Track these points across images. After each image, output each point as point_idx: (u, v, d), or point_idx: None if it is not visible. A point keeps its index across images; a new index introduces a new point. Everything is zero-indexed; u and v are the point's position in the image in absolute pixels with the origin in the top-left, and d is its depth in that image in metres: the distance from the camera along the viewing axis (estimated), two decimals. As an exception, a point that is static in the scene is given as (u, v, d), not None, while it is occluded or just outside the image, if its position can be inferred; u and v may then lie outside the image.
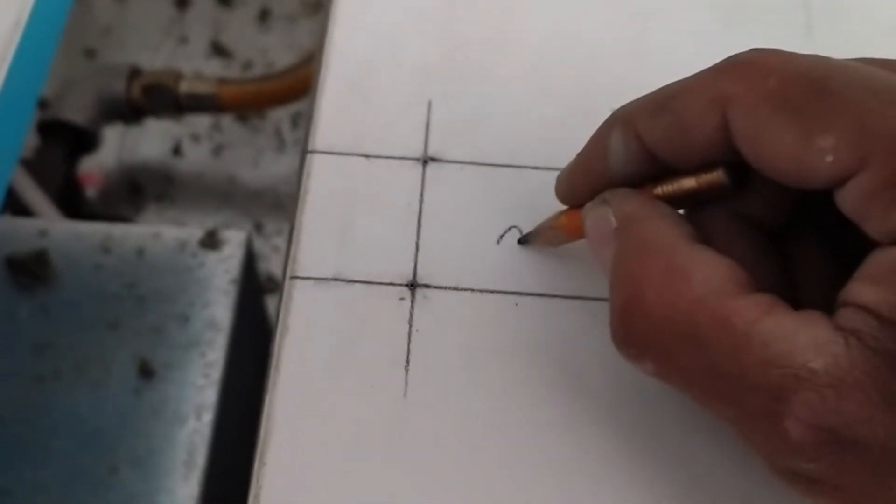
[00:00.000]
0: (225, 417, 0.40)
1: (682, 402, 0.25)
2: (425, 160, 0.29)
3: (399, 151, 0.29)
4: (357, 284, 0.27)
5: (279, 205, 0.62)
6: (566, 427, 0.25)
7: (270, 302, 0.55)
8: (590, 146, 0.25)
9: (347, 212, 0.28)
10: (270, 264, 0.57)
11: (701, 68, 0.32)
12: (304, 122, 0.66)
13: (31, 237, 0.44)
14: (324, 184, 0.29)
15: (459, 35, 0.32)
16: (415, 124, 0.30)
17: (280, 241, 0.58)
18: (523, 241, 0.27)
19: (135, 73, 0.58)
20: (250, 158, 0.64)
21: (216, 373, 0.40)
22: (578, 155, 0.25)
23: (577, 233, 0.25)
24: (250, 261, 0.45)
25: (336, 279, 0.27)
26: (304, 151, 0.30)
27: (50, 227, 0.44)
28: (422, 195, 0.29)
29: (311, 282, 0.27)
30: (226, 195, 0.62)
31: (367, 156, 0.29)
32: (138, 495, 0.37)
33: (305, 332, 0.26)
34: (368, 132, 0.30)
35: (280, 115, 0.66)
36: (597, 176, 0.24)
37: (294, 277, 0.27)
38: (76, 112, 0.55)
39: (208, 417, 0.39)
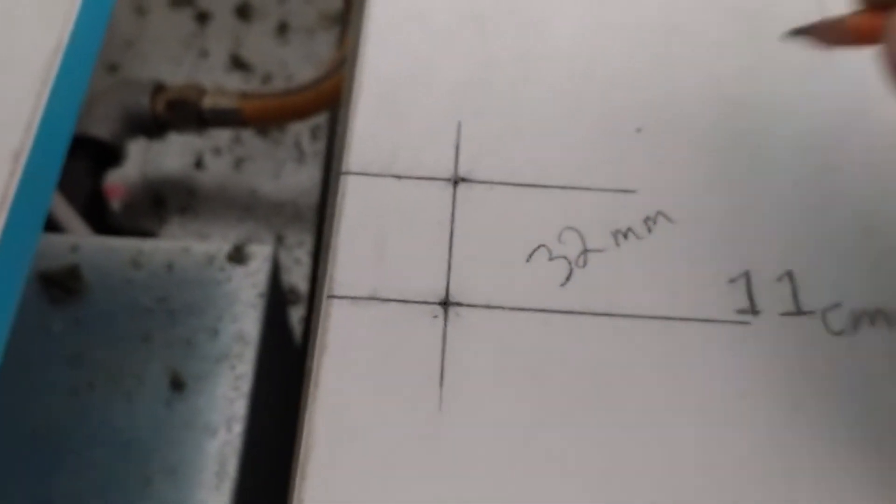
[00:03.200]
0: (255, 429, 0.41)
1: (708, 417, 0.26)
2: (456, 181, 0.30)
3: (430, 172, 0.30)
4: (392, 303, 0.28)
5: (300, 216, 0.62)
6: (595, 440, 0.26)
7: (293, 314, 0.56)
8: None
9: (381, 232, 0.29)
10: (292, 276, 0.58)
11: (726, 81, 0.33)
12: (323, 135, 0.67)
13: (62, 252, 0.45)
14: (358, 204, 0.30)
15: (488, 55, 0.33)
16: (445, 144, 0.31)
17: (301, 253, 0.59)
18: (799, 32, 0.25)
19: (159, 88, 0.59)
20: (271, 171, 0.65)
21: (245, 385, 0.41)
22: None
23: (871, 38, 0.22)
24: (276, 275, 0.46)
25: (372, 298, 0.28)
26: (338, 173, 0.30)
27: (81, 242, 0.45)
28: (453, 215, 0.29)
29: (348, 301, 0.28)
30: (247, 207, 0.63)
31: (398, 177, 0.30)
32: (172, 505, 0.38)
33: (343, 349, 0.27)
34: (400, 153, 0.31)
35: (300, 128, 0.67)
36: None
37: (331, 297, 0.28)
38: (101, 127, 0.57)
39: (239, 429, 0.40)
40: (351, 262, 0.28)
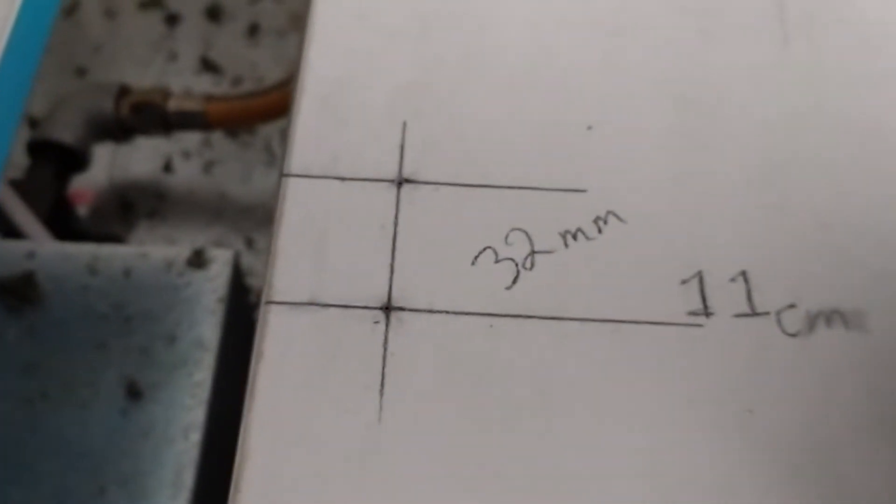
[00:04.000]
0: (213, 437, 0.40)
1: (659, 422, 0.26)
2: (400, 182, 0.29)
3: (374, 173, 0.29)
4: (332, 308, 0.27)
5: (270, 220, 0.62)
6: (541, 448, 0.25)
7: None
8: None
9: (322, 235, 0.28)
10: (262, 280, 0.57)
11: (676, 79, 0.32)
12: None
13: (18, 259, 0.44)
14: (299, 207, 0.29)
15: (433, 55, 0.32)
16: (389, 145, 0.30)
17: (271, 256, 0.58)
18: None
19: (123, 91, 0.58)
20: (241, 174, 0.64)
21: (204, 393, 0.40)
22: None
23: None
24: (238, 279, 0.46)
25: (311, 303, 0.27)
26: (280, 175, 0.30)
27: (37, 248, 0.45)
28: (396, 217, 0.29)
29: (287, 306, 0.27)
30: (217, 211, 0.62)
31: (342, 178, 0.29)
32: (125, 517, 0.37)
33: (281, 357, 0.26)
34: (343, 154, 0.30)
35: (270, 131, 0.66)
36: None
37: (269, 302, 0.27)
38: (65, 131, 0.56)
39: (196, 437, 0.39)
40: (290, 267, 0.27)
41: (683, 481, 0.25)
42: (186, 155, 0.65)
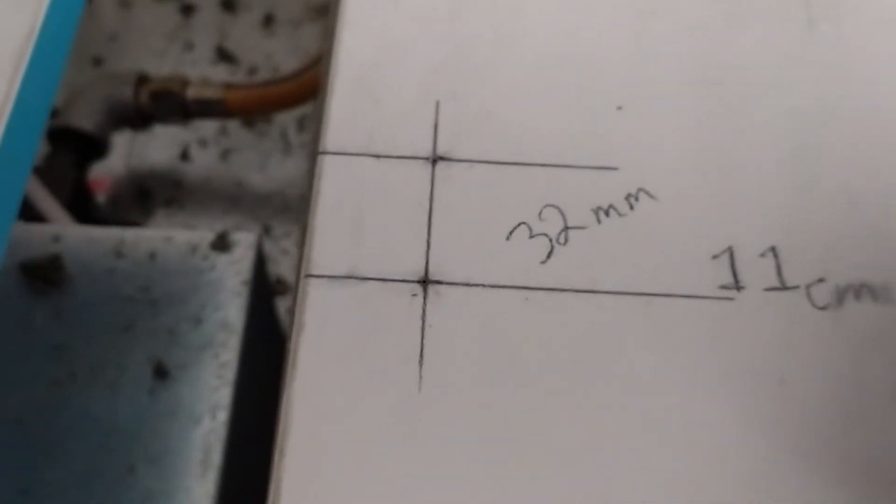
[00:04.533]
0: (239, 417, 0.40)
1: (693, 392, 0.26)
2: (434, 159, 0.30)
3: (408, 151, 0.30)
4: (370, 282, 0.27)
5: (287, 208, 0.62)
6: (578, 417, 0.25)
7: (281, 304, 0.56)
8: None
9: (359, 211, 0.29)
10: (280, 267, 0.57)
11: (706, 64, 0.33)
12: (310, 126, 0.66)
13: (44, 243, 0.44)
14: (335, 184, 0.29)
15: (464, 36, 0.33)
16: (423, 124, 0.31)
17: (289, 244, 0.59)
18: None
19: (142, 79, 0.59)
20: (257, 162, 0.64)
21: (230, 373, 0.41)
22: None
23: None
24: (261, 262, 0.46)
25: (350, 277, 0.27)
26: (316, 153, 0.30)
27: (63, 232, 0.45)
28: (432, 193, 0.29)
29: (326, 280, 0.27)
30: (234, 199, 0.63)
31: (377, 156, 0.30)
32: (156, 493, 0.38)
33: (321, 328, 0.26)
34: (378, 133, 0.30)
35: (286, 119, 0.66)
36: None
37: (309, 276, 0.27)
38: (85, 119, 0.56)
39: (223, 417, 0.40)
40: (328, 242, 0.28)
41: (716, 449, 0.25)
42: (203, 143, 0.65)
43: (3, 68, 0.31)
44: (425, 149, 0.30)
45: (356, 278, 0.27)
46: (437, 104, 0.31)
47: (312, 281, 0.27)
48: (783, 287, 0.28)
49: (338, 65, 0.32)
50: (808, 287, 0.28)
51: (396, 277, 0.27)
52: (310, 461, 0.24)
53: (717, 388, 0.26)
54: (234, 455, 0.39)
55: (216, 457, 0.39)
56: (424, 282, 0.27)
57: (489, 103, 0.31)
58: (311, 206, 0.29)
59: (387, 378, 0.26)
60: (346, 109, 0.31)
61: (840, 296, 0.28)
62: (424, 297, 0.27)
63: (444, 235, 0.28)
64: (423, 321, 0.27)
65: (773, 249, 0.28)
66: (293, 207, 0.62)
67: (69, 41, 0.35)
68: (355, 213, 0.28)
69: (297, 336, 0.26)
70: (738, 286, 0.28)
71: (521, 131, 0.31)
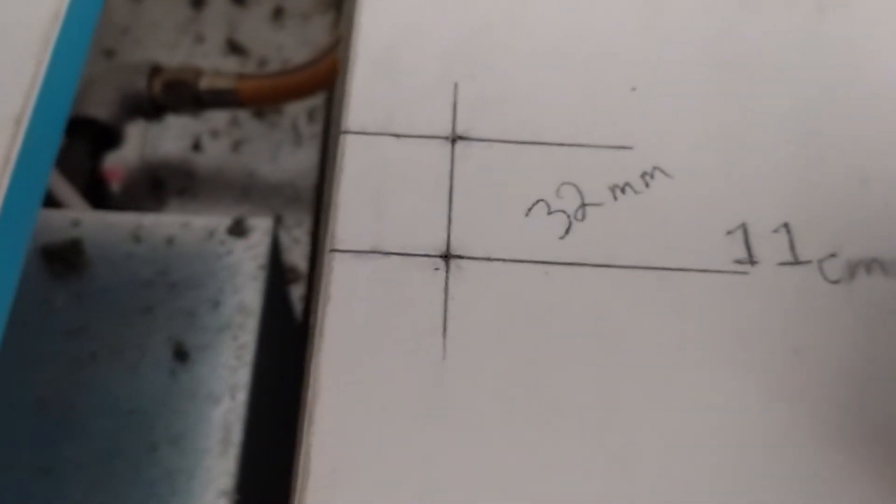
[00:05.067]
0: (258, 397, 0.41)
1: (710, 362, 0.27)
2: (454, 139, 0.30)
3: (428, 131, 0.31)
4: (394, 256, 0.28)
5: (298, 197, 0.63)
6: (597, 385, 0.26)
7: (293, 292, 0.57)
8: None
9: (381, 188, 0.29)
10: (292, 255, 0.58)
11: (718, 46, 0.33)
12: (320, 117, 0.67)
13: (64, 228, 0.45)
14: (357, 162, 0.30)
15: (481, 18, 0.33)
16: (442, 105, 0.31)
17: (300, 233, 0.60)
18: None
19: (156, 70, 0.59)
20: (268, 153, 0.65)
21: (248, 354, 0.42)
22: None
23: None
24: (276, 247, 0.47)
25: (373, 251, 0.28)
26: (338, 132, 0.31)
27: (82, 217, 0.46)
28: (451, 172, 0.30)
29: (350, 254, 0.28)
30: (245, 189, 0.64)
31: (397, 135, 0.30)
32: (177, 471, 0.38)
33: (347, 300, 0.27)
34: (398, 113, 0.31)
35: (296, 110, 0.67)
36: None
37: (333, 250, 0.28)
38: (100, 108, 0.57)
39: (242, 397, 0.40)
40: (352, 218, 0.29)
41: (733, 416, 0.26)
42: (215, 134, 0.66)
43: (31, 50, 0.31)
44: (444, 128, 0.31)
45: (380, 253, 0.28)
46: (455, 85, 0.32)
47: (337, 255, 0.28)
48: (796, 262, 0.29)
49: (357, 46, 0.32)
50: (820, 262, 0.29)
51: (419, 252, 0.28)
52: (338, 427, 0.25)
53: (734, 357, 0.27)
54: (253, 434, 0.40)
55: (236, 436, 0.39)
56: (446, 256, 0.28)
57: (506, 84, 0.32)
58: (333, 184, 0.29)
59: (412, 347, 0.26)
60: (366, 90, 0.31)
61: (851, 270, 0.28)
62: (447, 271, 0.28)
63: (465, 212, 0.29)
64: (446, 294, 0.27)
65: (785, 226, 0.29)
66: (304, 198, 0.63)
67: (93, 23, 0.35)
68: (377, 191, 0.29)
69: (324, 307, 0.27)
70: (751, 261, 0.29)
71: (537, 112, 0.31)
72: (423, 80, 0.32)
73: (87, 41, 0.35)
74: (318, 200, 0.62)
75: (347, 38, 0.33)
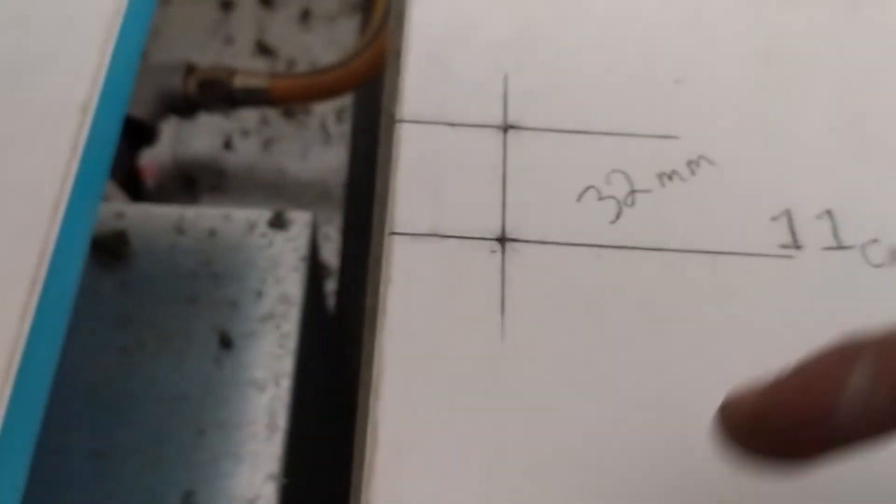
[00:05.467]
0: (301, 384, 0.42)
1: (759, 343, 0.28)
2: (505, 128, 0.31)
3: (480, 120, 0.32)
4: (451, 239, 0.29)
5: (328, 195, 0.64)
6: (653, 366, 0.27)
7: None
8: (806, 378, 0.19)
9: (437, 174, 0.30)
10: (322, 251, 0.59)
11: (758, 40, 0.34)
12: (348, 117, 0.68)
13: (109, 219, 0.46)
14: (413, 149, 0.31)
15: (529, 11, 0.34)
16: (493, 95, 0.32)
17: (330, 230, 0.60)
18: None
19: (190, 69, 0.60)
20: (298, 151, 0.66)
21: (291, 343, 0.43)
22: (775, 385, 0.20)
23: None
24: (315, 240, 0.48)
25: (431, 234, 0.29)
26: (391, 121, 0.32)
27: (126, 209, 0.47)
28: (504, 159, 0.31)
29: (409, 237, 0.29)
30: (276, 187, 0.65)
31: (451, 124, 0.31)
32: (224, 455, 0.39)
33: (407, 281, 0.28)
34: (450, 103, 0.32)
35: (325, 110, 0.68)
36: (814, 422, 0.18)
37: (393, 233, 0.29)
38: (137, 106, 0.58)
39: (287, 384, 0.41)
40: (410, 202, 0.30)
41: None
42: (245, 133, 0.67)
43: (95, 41, 0.33)
44: (496, 118, 0.32)
45: (438, 236, 0.29)
46: (506, 76, 0.33)
47: (396, 238, 0.29)
48: (839, 247, 0.29)
49: (410, 39, 0.33)
50: (863, 247, 0.29)
51: (475, 235, 0.29)
52: (403, 401, 0.26)
53: (781, 338, 0.28)
54: (297, 419, 0.41)
55: (281, 421, 0.40)
56: (502, 239, 0.29)
57: (554, 76, 0.33)
58: (390, 171, 0.30)
59: (471, 327, 0.27)
60: (419, 81, 0.32)
61: (893, 255, 0.29)
62: (503, 254, 0.29)
63: (518, 197, 0.30)
64: (503, 275, 0.28)
65: (828, 212, 0.30)
66: (334, 195, 0.64)
67: (151, 16, 0.36)
68: (433, 177, 0.30)
69: (385, 288, 0.28)
70: (796, 245, 0.29)
71: (584, 102, 0.32)
72: (474, 71, 0.33)
73: (145, 33, 0.36)
74: (348, 198, 0.63)
75: (397, 31, 0.34)
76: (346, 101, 0.68)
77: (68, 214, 0.29)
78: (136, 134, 0.59)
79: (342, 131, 0.67)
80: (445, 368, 0.26)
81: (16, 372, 0.26)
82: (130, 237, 0.46)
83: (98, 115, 0.31)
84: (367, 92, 0.65)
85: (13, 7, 0.32)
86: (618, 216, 0.30)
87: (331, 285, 0.59)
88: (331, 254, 0.60)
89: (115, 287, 0.44)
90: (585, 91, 0.33)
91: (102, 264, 0.45)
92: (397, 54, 0.34)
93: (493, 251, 0.29)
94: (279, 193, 0.64)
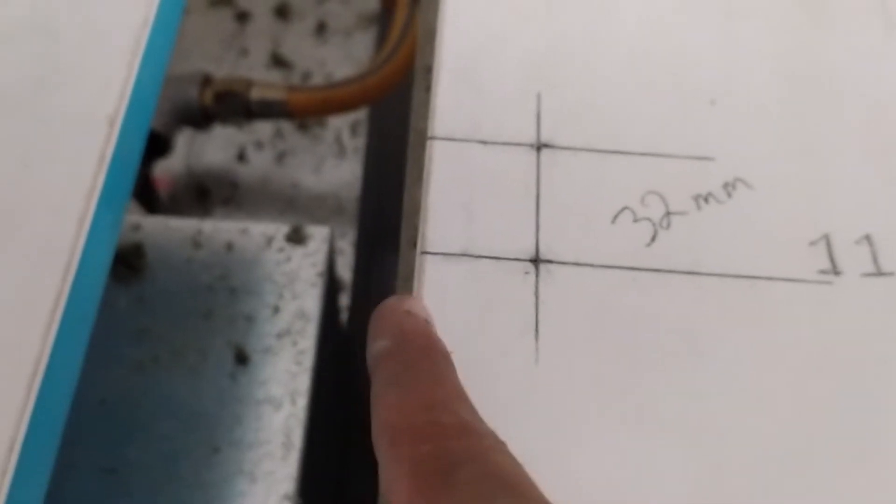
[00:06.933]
0: (317, 402, 0.41)
1: (798, 369, 0.27)
2: (539, 146, 0.31)
3: (513, 138, 0.31)
4: (484, 260, 0.28)
5: (342, 209, 0.63)
6: (691, 392, 0.26)
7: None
8: None
9: (470, 193, 0.30)
10: (336, 266, 0.58)
11: (791, 57, 0.34)
12: (363, 131, 0.68)
13: (125, 231, 0.46)
14: (445, 167, 0.30)
15: (560, 30, 0.34)
16: (526, 113, 0.32)
17: (344, 244, 0.60)
18: None
19: (207, 80, 0.60)
20: (312, 165, 0.66)
21: (308, 360, 0.42)
22: None
23: None
24: (332, 256, 0.47)
25: (464, 254, 0.28)
26: (421, 138, 0.31)
27: (143, 222, 0.46)
28: (538, 178, 0.30)
29: (441, 257, 0.28)
30: (290, 200, 0.64)
31: (484, 142, 0.31)
32: (239, 474, 0.38)
33: (439, 302, 0.27)
34: (483, 121, 0.31)
35: (339, 124, 0.67)
36: None
37: (425, 252, 0.28)
38: (153, 118, 0.57)
39: (303, 402, 0.41)
40: (442, 221, 0.29)
41: (819, 426, 0.26)
42: (259, 145, 0.67)
43: (124, 55, 0.32)
44: (529, 136, 0.31)
45: (470, 256, 0.28)
46: (539, 95, 0.32)
47: (428, 258, 0.28)
48: (879, 273, 0.29)
49: (441, 55, 0.33)
50: (902, 274, 0.29)
51: (509, 256, 0.28)
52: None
53: (820, 366, 0.27)
54: (314, 438, 0.40)
55: (297, 440, 0.40)
56: (536, 261, 0.28)
57: (587, 95, 0.32)
58: (423, 188, 0.30)
59: (504, 350, 0.27)
60: (451, 98, 0.32)
61: (933, 283, 0.29)
62: (536, 275, 0.28)
63: (552, 217, 0.29)
64: (537, 297, 0.28)
65: (867, 237, 0.30)
66: (348, 209, 0.63)
67: (176, 30, 0.36)
68: (466, 195, 0.30)
69: (417, 309, 0.27)
70: (835, 271, 0.29)
71: (619, 122, 0.32)
72: (507, 88, 0.32)
73: (171, 46, 0.36)
74: (362, 212, 0.63)
75: (427, 47, 0.34)
76: (362, 114, 0.68)
77: (93, 228, 0.28)
78: (151, 145, 0.59)
79: (357, 145, 0.67)
80: (477, 393, 0.26)
81: (38, 386, 0.25)
82: (147, 250, 0.45)
83: (125, 128, 0.31)
84: (382, 106, 0.64)
85: (42, 18, 0.32)
86: (653, 238, 0.29)
87: (344, 300, 0.58)
88: (344, 268, 0.59)
89: (131, 300, 0.44)
90: (619, 110, 0.32)
91: (118, 277, 0.44)
92: (427, 70, 0.33)
93: (527, 272, 0.28)
94: (292, 207, 0.63)
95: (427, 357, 0.24)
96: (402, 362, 0.23)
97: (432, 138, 0.31)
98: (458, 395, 0.23)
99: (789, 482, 0.26)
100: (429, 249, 0.28)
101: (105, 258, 0.30)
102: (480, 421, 0.23)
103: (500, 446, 0.22)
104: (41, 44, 0.31)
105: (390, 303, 0.25)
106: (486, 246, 0.29)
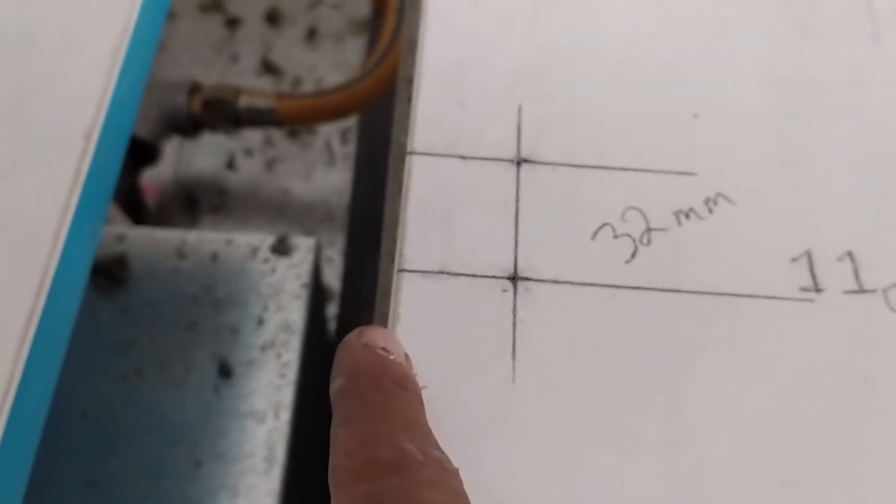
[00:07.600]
0: (301, 416, 0.41)
1: (778, 389, 0.27)
2: (519, 161, 0.31)
3: (493, 153, 0.31)
4: (462, 277, 0.28)
5: (331, 217, 0.63)
6: (669, 411, 0.26)
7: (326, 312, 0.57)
8: None
9: (448, 209, 0.29)
10: (325, 275, 0.58)
11: (779, 74, 0.33)
12: (353, 137, 0.67)
13: (109, 242, 0.45)
14: (424, 183, 0.30)
15: (544, 42, 0.34)
16: (507, 127, 0.31)
17: (333, 252, 0.60)
18: None
19: (195, 88, 0.60)
20: (302, 172, 0.65)
21: (292, 373, 0.42)
22: None
23: None
24: (318, 267, 0.47)
25: (441, 272, 0.28)
26: (401, 152, 0.31)
27: (127, 232, 0.46)
28: (517, 194, 0.30)
29: (419, 275, 0.28)
30: (279, 207, 0.64)
31: (463, 157, 0.31)
32: (222, 488, 0.38)
33: (416, 321, 0.27)
34: (463, 134, 0.31)
35: (330, 131, 0.67)
36: None
37: (402, 270, 0.28)
38: (140, 125, 0.57)
39: (286, 416, 0.40)
40: (420, 238, 0.29)
41: (801, 445, 0.26)
42: (248, 153, 0.67)
43: (101, 64, 0.32)
44: (509, 151, 0.31)
45: (448, 273, 0.28)
46: (520, 108, 0.32)
47: (406, 276, 0.28)
48: (861, 290, 0.29)
49: (422, 68, 0.33)
50: (885, 290, 0.29)
51: (487, 273, 0.28)
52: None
53: (801, 385, 0.27)
54: (297, 453, 0.40)
55: (280, 454, 0.39)
56: (514, 278, 0.28)
57: (569, 109, 0.32)
58: (400, 204, 0.30)
59: (481, 369, 0.26)
60: (431, 112, 0.32)
61: (916, 300, 0.28)
62: (515, 293, 0.28)
63: (531, 234, 0.29)
64: (515, 316, 0.27)
65: (849, 254, 0.29)
66: (338, 217, 0.63)
67: (157, 38, 0.36)
68: (445, 212, 0.29)
69: (393, 327, 0.27)
70: (817, 288, 0.29)
71: (601, 136, 0.32)
72: (488, 102, 0.32)
73: (152, 55, 0.35)
74: (351, 220, 0.63)
75: (409, 58, 0.34)
76: (352, 121, 0.68)
77: (68, 244, 0.28)
78: (139, 153, 0.58)
79: (347, 152, 0.67)
80: (454, 412, 0.26)
81: (11, 404, 0.25)
82: (131, 261, 0.45)
83: (102, 141, 0.31)
84: (372, 113, 0.64)
85: (19, 27, 0.32)
86: (633, 255, 0.29)
87: (332, 309, 0.58)
88: (333, 277, 0.59)
89: (114, 311, 0.43)
90: (601, 124, 0.32)
91: (102, 288, 0.44)
92: (408, 82, 0.33)
93: (505, 290, 0.28)
94: (282, 214, 0.63)
95: (376, 389, 0.23)
96: (353, 399, 0.23)
97: (411, 153, 0.31)
98: (405, 425, 0.22)
99: (770, 501, 0.25)
100: (406, 267, 0.28)
101: (81, 273, 0.30)
102: (429, 448, 0.22)
103: (438, 477, 0.21)
104: (17, 54, 0.31)
105: (349, 338, 0.25)
106: (464, 263, 0.28)
